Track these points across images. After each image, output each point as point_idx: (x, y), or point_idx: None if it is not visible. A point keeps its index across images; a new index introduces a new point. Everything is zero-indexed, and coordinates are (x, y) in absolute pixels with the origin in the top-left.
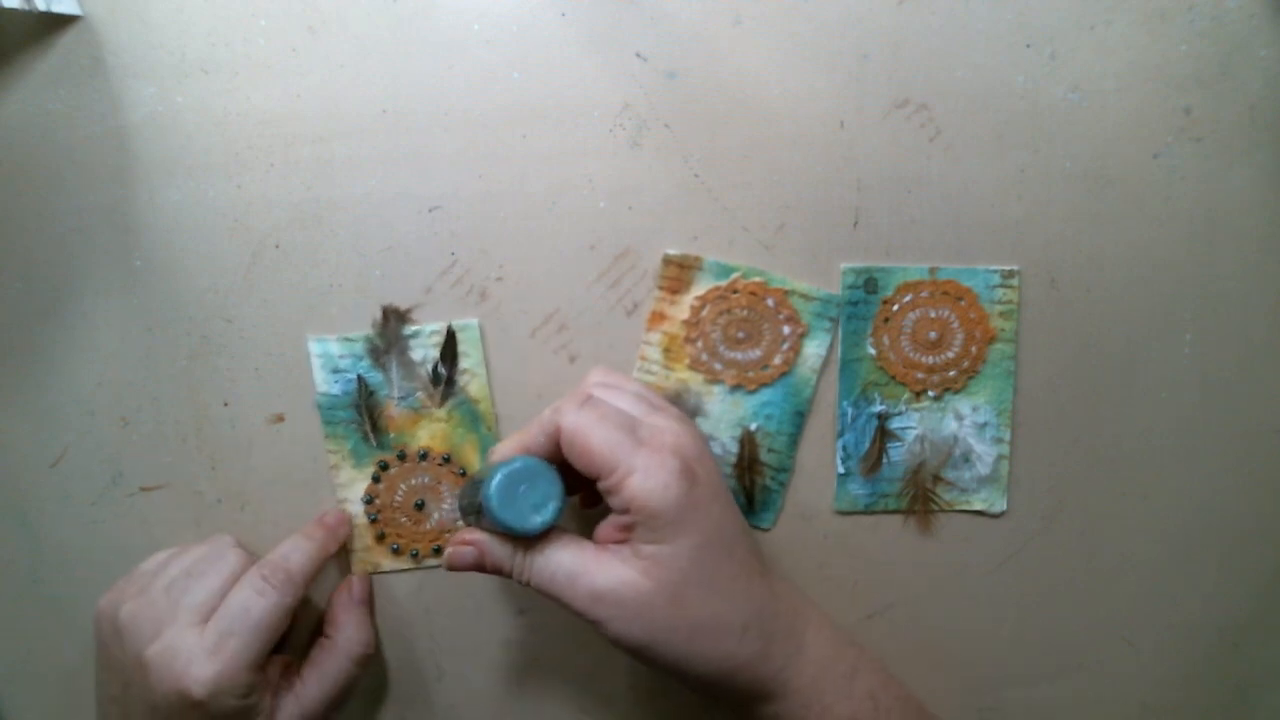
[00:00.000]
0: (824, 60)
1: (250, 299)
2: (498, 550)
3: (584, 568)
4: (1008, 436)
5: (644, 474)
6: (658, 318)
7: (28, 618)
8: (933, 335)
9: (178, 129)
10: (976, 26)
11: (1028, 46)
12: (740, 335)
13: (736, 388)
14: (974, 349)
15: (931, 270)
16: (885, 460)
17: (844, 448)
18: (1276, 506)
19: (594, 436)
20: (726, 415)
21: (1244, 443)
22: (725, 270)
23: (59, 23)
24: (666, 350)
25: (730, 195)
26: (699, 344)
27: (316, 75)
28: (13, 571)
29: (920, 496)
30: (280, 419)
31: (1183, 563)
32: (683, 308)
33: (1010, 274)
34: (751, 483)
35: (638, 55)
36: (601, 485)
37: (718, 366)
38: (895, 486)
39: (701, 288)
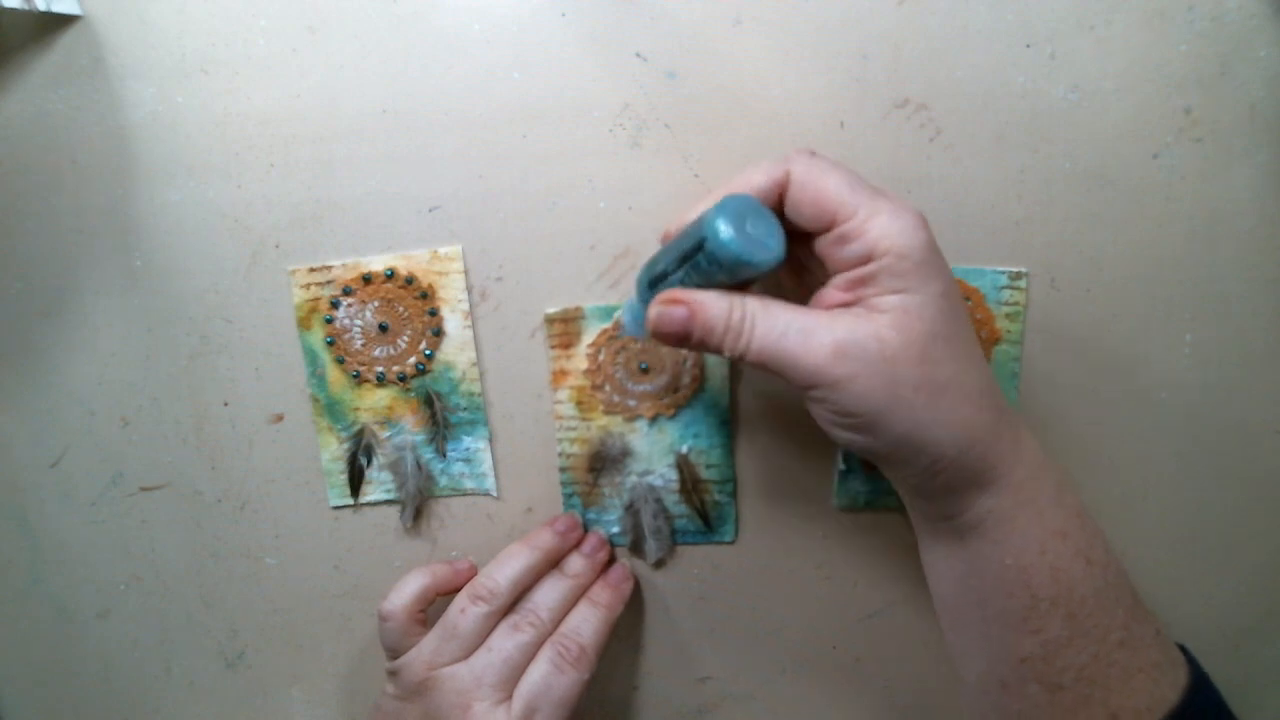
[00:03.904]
0: (824, 60)
1: (250, 299)
2: (713, 307)
3: (819, 324)
4: None
5: (891, 215)
6: (560, 375)
7: (28, 618)
8: None
9: (178, 129)
10: (976, 26)
11: (1028, 46)
12: (643, 367)
13: (656, 418)
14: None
15: None
16: None
17: None
18: (1276, 506)
19: (832, 178)
20: (656, 446)
21: (1244, 443)
22: (606, 312)
23: (59, 23)
24: (579, 404)
25: None
26: (606, 388)
27: (316, 75)
28: (13, 571)
29: None
30: (280, 419)
31: (1183, 563)
32: (579, 359)
33: (1018, 275)
34: (701, 502)
35: (638, 55)
36: (840, 230)
37: (631, 403)
38: None
39: (590, 335)
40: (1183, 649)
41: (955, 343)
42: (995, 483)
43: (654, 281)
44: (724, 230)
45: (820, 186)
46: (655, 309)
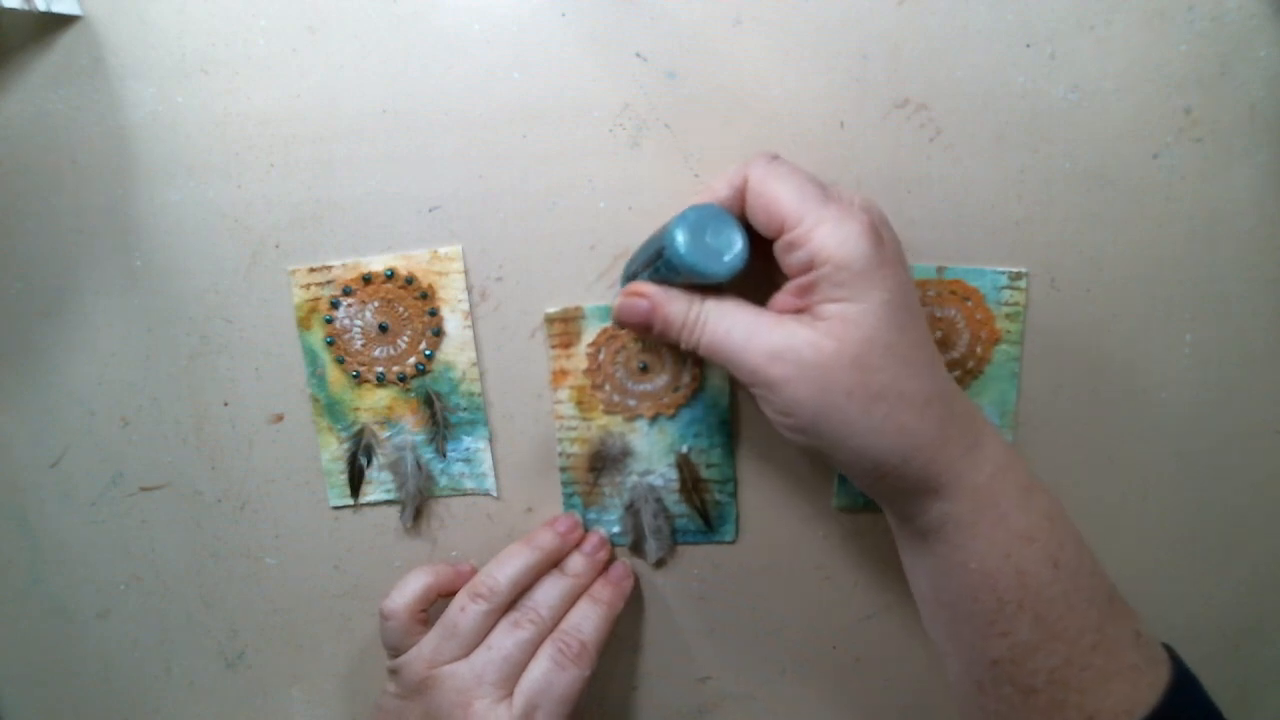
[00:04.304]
0: (824, 60)
1: (250, 299)
2: (672, 303)
3: (762, 327)
4: (1010, 438)
5: (834, 224)
6: (560, 375)
7: (28, 618)
8: (938, 335)
9: (178, 129)
10: (976, 26)
11: (1028, 46)
12: (642, 366)
13: (657, 417)
14: (979, 350)
15: (939, 269)
16: None
17: None
18: (1276, 506)
19: (784, 185)
20: (656, 446)
21: (1244, 443)
22: (606, 312)
23: (59, 23)
24: (579, 403)
25: None
26: (607, 388)
27: (316, 75)
28: (13, 571)
29: None
30: (280, 419)
31: (1183, 563)
32: (579, 358)
33: (1018, 275)
34: (702, 502)
35: (638, 55)
36: (786, 238)
37: (631, 403)
38: None
39: (590, 334)
40: (1168, 649)
41: (898, 351)
42: (946, 489)
43: (629, 279)
44: (681, 241)
45: (771, 194)
46: (620, 300)
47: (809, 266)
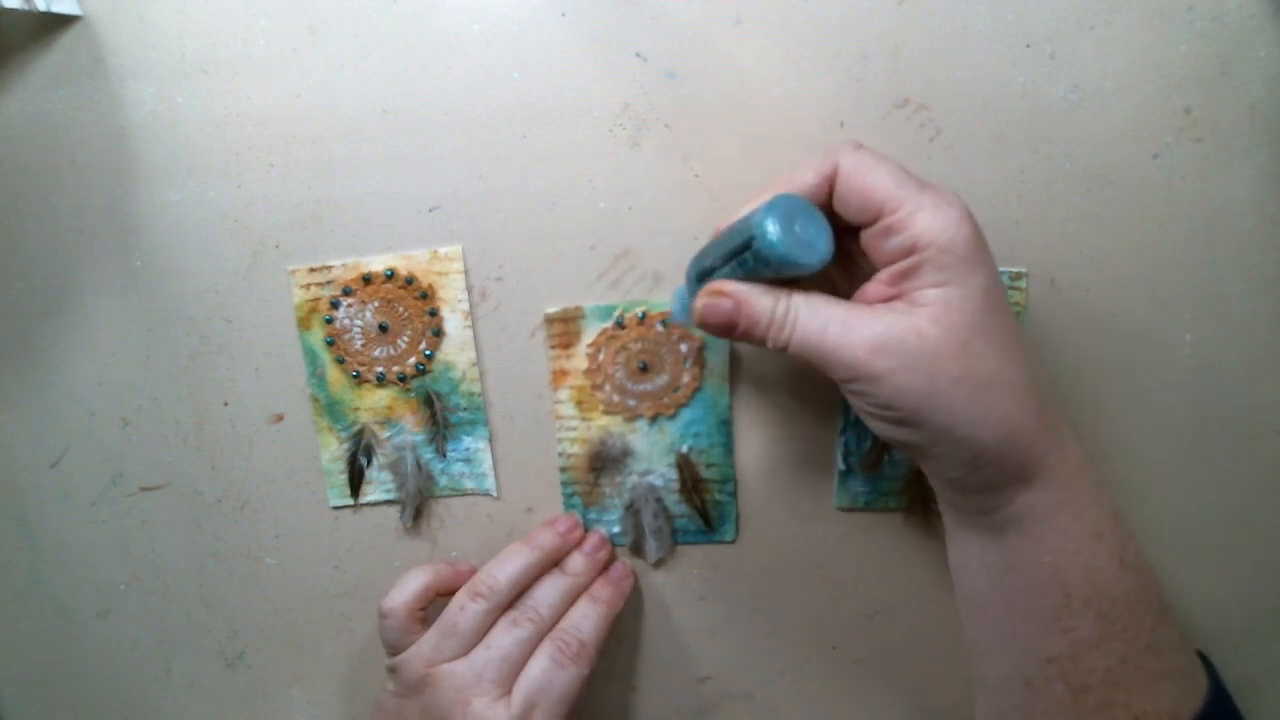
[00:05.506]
0: (824, 60)
1: (250, 299)
2: (758, 301)
3: (858, 319)
4: None
5: (935, 209)
6: (560, 375)
7: (28, 618)
8: None
9: (178, 129)
10: (976, 26)
11: (1028, 46)
12: (642, 366)
13: (656, 417)
14: None
15: None
16: (887, 458)
17: (845, 444)
18: (1276, 506)
19: (880, 171)
20: (656, 446)
21: (1244, 443)
22: (606, 312)
23: (59, 23)
24: (579, 403)
25: (730, 195)
26: (606, 388)
27: (316, 75)
28: (13, 571)
29: (921, 496)
30: (280, 419)
31: (1183, 562)
32: (579, 359)
33: (1018, 275)
34: (702, 502)
35: (638, 55)
36: (884, 223)
37: (631, 403)
38: (896, 485)
39: (590, 334)
40: (1202, 656)
41: (996, 337)
42: (1037, 478)
43: (702, 275)
44: (772, 231)
45: (867, 180)
46: (702, 300)
47: (909, 251)
